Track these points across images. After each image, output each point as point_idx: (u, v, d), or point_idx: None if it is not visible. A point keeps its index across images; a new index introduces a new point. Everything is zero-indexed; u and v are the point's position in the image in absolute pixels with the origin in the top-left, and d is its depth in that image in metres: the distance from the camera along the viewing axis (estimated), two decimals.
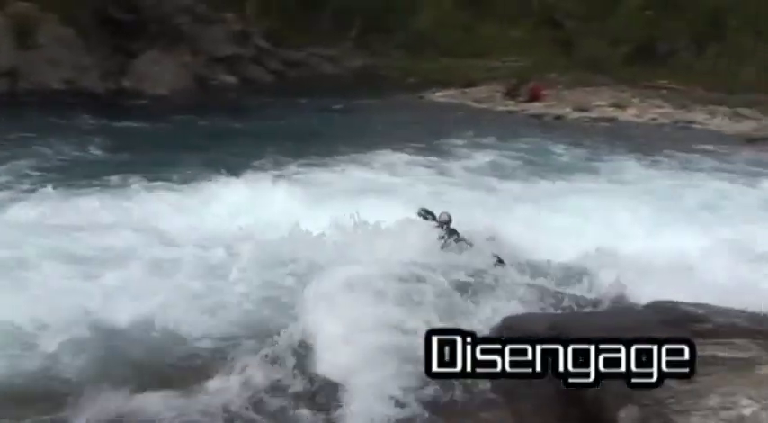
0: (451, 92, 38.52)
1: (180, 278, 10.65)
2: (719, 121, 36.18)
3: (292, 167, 19.08)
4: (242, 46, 39.13)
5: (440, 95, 37.71)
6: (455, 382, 7.23)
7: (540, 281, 10.91)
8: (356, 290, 9.35)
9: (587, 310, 9.41)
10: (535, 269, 11.46)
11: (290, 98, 33.37)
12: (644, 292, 9.71)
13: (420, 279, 10.11)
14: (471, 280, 10.54)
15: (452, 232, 13.05)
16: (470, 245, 12.68)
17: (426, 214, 13.43)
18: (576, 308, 9.60)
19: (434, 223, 13.07)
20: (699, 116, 36.70)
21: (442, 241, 12.62)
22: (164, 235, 12.94)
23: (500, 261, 12.05)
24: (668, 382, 5.21)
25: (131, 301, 9.68)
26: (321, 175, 18.39)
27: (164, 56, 34.85)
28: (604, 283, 10.80)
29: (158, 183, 16.70)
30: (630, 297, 9.95)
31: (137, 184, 16.72)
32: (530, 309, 9.51)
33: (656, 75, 46.15)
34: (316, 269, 10.77)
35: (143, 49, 34.68)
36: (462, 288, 10.11)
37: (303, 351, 8.14)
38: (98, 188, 16.36)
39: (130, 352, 8.54)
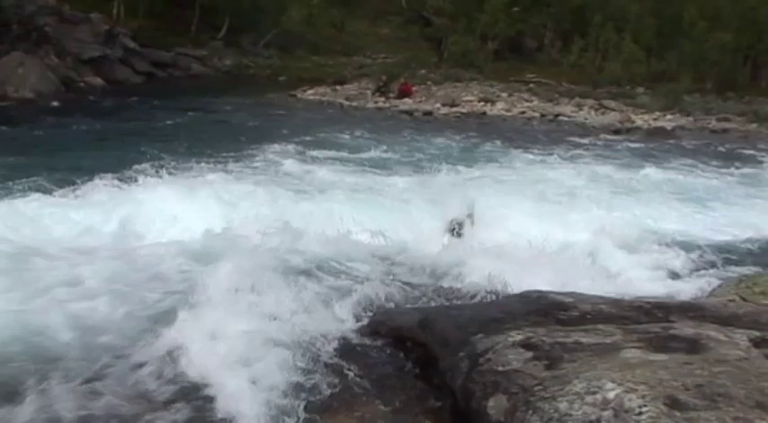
0: (322, 90, 38.44)
1: (45, 285, 10.22)
2: (586, 114, 37.10)
3: (162, 169, 18.64)
4: (109, 47, 38.23)
5: (311, 93, 37.57)
6: (325, 376, 7.12)
7: (411, 275, 10.85)
8: (231, 289, 9.13)
9: (457, 302, 9.37)
10: (406, 263, 11.40)
11: (159, 99, 32.76)
12: (518, 283, 9.74)
13: (294, 274, 9.95)
14: (346, 275, 10.43)
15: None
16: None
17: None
18: (445, 301, 9.55)
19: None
20: (566, 109, 37.59)
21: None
22: (29, 241, 12.45)
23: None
24: (534, 369, 5.19)
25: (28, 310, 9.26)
26: (191, 176, 18.01)
27: (28, 58, 33.76)
28: (475, 275, 10.80)
29: (23, 187, 16.06)
30: (503, 288, 9.96)
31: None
32: (400, 303, 9.43)
33: (524, 69, 47.09)
34: (191, 272, 10.50)
35: (5, 51, 33.57)
36: (336, 283, 9.99)
37: (174, 354, 7.88)
38: None
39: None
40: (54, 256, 11.30)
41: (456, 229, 13.67)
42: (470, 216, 13.97)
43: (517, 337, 5.75)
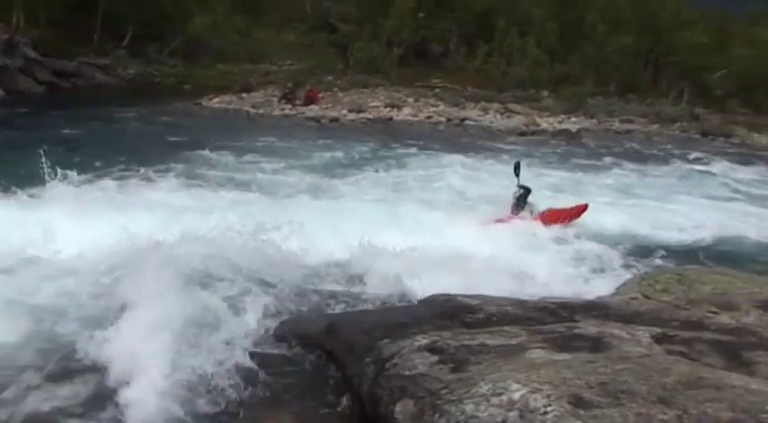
0: (228, 97, 38.11)
1: None
2: (491, 117, 37.46)
3: (63, 181, 18.23)
4: (9, 56, 37.36)
5: (216, 101, 37.23)
6: (233, 385, 7.03)
7: (320, 281, 10.79)
8: (136, 300, 8.95)
9: (364, 308, 9.33)
10: (312, 269, 11.33)
11: (61, 109, 32.09)
12: (423, 287, 9.75)
13: (201, 282, 9.81)
14: (251, 283, 10.31)
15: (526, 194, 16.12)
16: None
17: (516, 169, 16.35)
18: (353, 306, 9.51)
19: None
20: (472, 113, 37.92)
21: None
22: None
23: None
24: (440, 373, 5.17)
25: None
26: (93, 188, 17.67)
27: None
28: (382, 280, 10.79)
29: None
30: (409, 293, 9.96)
31: None
32: (308, 310, 9.37)
33: (429, 75, 47.36)
34: (95, 285, 10.28)
35: None
36: (244, 290, 9.88)
37: (81, 365, 7.71)
38: None
39: None
40: None
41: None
42: None
43: (423, 341, 5.72)
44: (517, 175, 16.10)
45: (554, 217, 15.53)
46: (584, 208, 15.83)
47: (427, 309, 7.28)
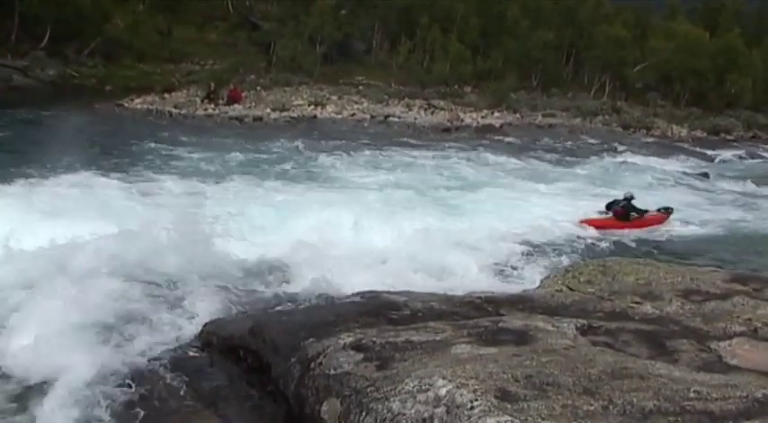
0: (150, 98, 37.62)
1: None
2: (415, 114, 37.61)
3: None
4: None
5: (138, 102, 36.74)
6: (156, 390, 6.93)
7: (242, 281, 10.70)
8: (57, 304, 8.78)
9: (289, 306, 9.26)
10: (239, 268, 11.24)
11: None
12: (350, 285, 9.71)
13: (122, 284, 9.67)
14: (175, 284, 10.20)
15: (632, 207, 17.51)
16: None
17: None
18: (278, 306, 9.44)
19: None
20: (396, 110, 38.02)
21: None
22: None
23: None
24: (365, 371, 5.14)
25: None
26: (14, 189, 17.32)
27: None
28: (308, 279, 10.74)
29: None
30: (335, 290, 9.92)
31: None
32: (233, 311, 9.27)
33: (353, 72, 47.35)
34: (12, 287, 10.07)
35: None
36: (166, 292, 9.77)
37: (6, 365, 7.54)
38: None
39: None
40: None
41: None
42: None
43: (348, 339, 5.69)
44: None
45: (640, 224, 17.57)
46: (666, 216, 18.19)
47: (353, 306, 7.25)
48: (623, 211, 17.21)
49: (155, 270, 10.48)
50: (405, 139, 29.54)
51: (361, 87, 44.06)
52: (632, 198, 17.55)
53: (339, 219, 14.24)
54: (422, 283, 9.51)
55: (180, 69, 45.41)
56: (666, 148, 34.69)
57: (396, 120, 35.86)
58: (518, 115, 40.15)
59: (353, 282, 9.86)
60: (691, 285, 7.17)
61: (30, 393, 6.98)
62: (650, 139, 38.31)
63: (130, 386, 7.00)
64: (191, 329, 8.28)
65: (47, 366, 7.22)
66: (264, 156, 24.42)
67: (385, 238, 13.24)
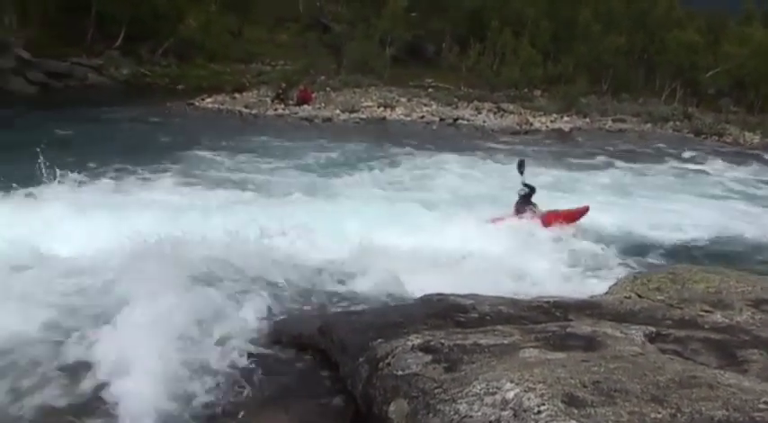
0: (221, 98, 37.97)
1: None
2: (484, 117, 37.49)
3: (56, 181, 18.19)
4: (1, 57, 37.26)
5: (209, 102, 37.10)
6: (226, 386, 7.04)
7: (311, 281, 10.78)
8: (133, 300, 8.93)
9: (358, 308, 9.33)
10: (305, 270, 11.32)
11: (54, 110, 31.95)
12: (419, 287, 9.75)
13: (196, 283, 9.81)
14: (245, 283, 10.31)
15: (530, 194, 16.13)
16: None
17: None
18: (346, 306, 9.51)
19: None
20: (465, 113, 37.95)
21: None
22: None
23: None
24: (433, 372, 5.17)
25: None
26: (87, 189, 17.61)
27: None
28: (378, 280, 10.80)
29: None
30: (404, 292, 9.96)
31: None
32: (302, 310, 9.37)
33: (423, 74, 47.36)
34: (92, 285, 10.26)
35: None
36: (239, 290, 9.88)
37: (77, 365, 7.69)
38: None
39: None
40: None
41: None
42: None
43: (416, 340, 5.72)
44: (521, 173, 16.18)
45: (555, 218, 15.52)
46: (585, 210, 15.79)
47: (421, 308, 7.28)
48: (519, 206, 16.11)
49: (227, 269, 10.61)
50: (474, 142, 29.43)
51: (430, 90, 44.03)
52: (529, 193, 16.23)
53: (407, 219, 14.30)
54: (490, 286, 9.49)
55: (250, 70, 45.83)
56: (738, 155, 34.11)
57: (465, 123, 35.80)
58: (588, 120, 39.83)
59: (420, 283, 9.88)
60: (762, 295, 7.09)
61: (108, 387, 7.12)
62: (722, 146, 37.70)
63: (201, 383, 7.12)
64: (260, 327, 8.38)
65: (124, 360, 7.36)
66: (334, 156, 24.50)
67: (454, 238, 13.24)
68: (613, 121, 40.15)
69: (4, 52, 37.26)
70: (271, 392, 6.94)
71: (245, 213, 14.21)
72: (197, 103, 36.59)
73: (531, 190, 16.15)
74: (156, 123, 30.53)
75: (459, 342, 5.63)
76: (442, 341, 5.67)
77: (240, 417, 6.66)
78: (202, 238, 11.49)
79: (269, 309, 9.05)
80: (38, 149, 21.30)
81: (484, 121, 36.28)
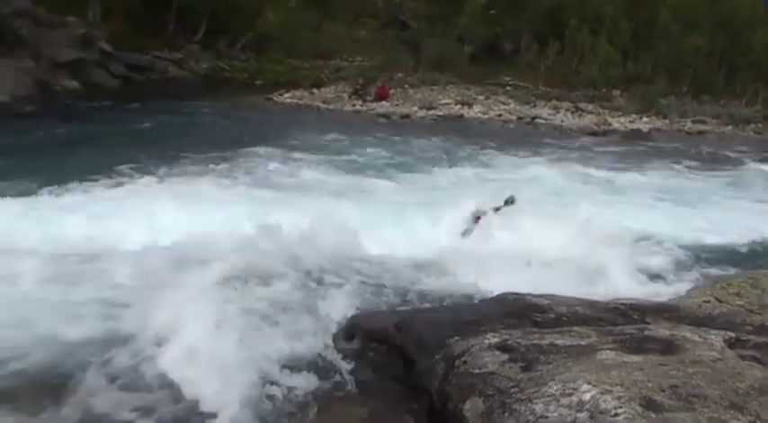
0: (299, 93, 38.25)
1: (26, 290, 10.11)
2: (562, 116, 37.19)
3: (138, 172, 18.50)
4: (85, 50, 37.76)
5: (287, 97, 37.37)
6: (301, 380, 7.13)
7: (388, 277, 10.83)
8: (210, 292, 9.09)
9: (434, 305, 9.37)
10: (382, 266, 11.37)
11: (135, 103, 32.47)
12: (494, 285, 9.75)
13: (273, 278, 9.94)
14: (323, 277, 10.42)
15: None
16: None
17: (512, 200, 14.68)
18: (422, 303, 9.56)
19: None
20: (542, 112, 37.68)
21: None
22: (11, 246, 12.28)
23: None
24: (509, 372, 5.19)
25: None
26: (168, 180, 17.88)
27: (3, 61, 33.37)
28: (453, 278, 10.82)
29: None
30: (479, 290, 9.97)
31: None
32: (377, 305, 9.44)
33: (500, 72, 47.11)
34: (171, 275, 10.45)
35: None
36: (314, 285, 9.98)
37: (156, 356, 7.84)
38: None
39: None
40: (31, 259, 11.25)
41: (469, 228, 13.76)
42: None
43: (493, 339, 5.75)
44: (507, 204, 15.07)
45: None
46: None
47: (497, 307, 7.30)
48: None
49: (302, 264, 10.72)
50: (552, 141, 29.20)
51: (508, 88, 43.80)
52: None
53: (484, 217, 14.27)
54: (563, 286, 9.45)
55: (329, 65, 46.06)
56: None
57: (542, 122, 35.54)
58: (667, 121, 39.25)
59: (494, 282, 9.89)
60: None
61: (182, 381, 7.25)
62: None
63: (277, 375, 7.22)
64: (337, 322, 8.47)
65: (199, 353, 7.49)
66: (412, 153, 24.48)
67: (530, 237, 13.20)
68: (693, 122, 39.50)
69: (88, 46, 37.89)
70: (346, 386, 7.03)
71: (323, 208, 14.28)
72: (275, 98, 36.87)
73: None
74: (236, 117, 30.85)
75: (535, 342, 5.64)
76: (519, 340, 5.69)
77: (315, 409, 6.75)
78: (282, 233, 11.63)
79: (345, 304, 9.14)
80: (120, 142, 21.77)
81: (562, 121, 35.97)
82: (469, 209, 14.03)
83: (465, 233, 13.29)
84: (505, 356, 5.42)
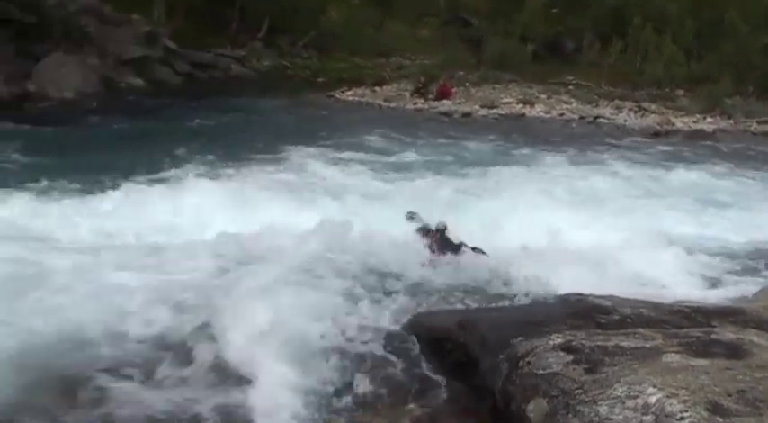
0: (361, 91, 38.37)
1: (96, 284, 10.31)
2: (625, 116, 36.83)
3: (200, 170, 18.72)
4: (150, 47, 38.24)
5: (349, 94, 37.53)
6: (365, 376, 7.20)
7: (451, 276, 10.86)
8: (274, 288, 9.20)
9: (497, 304, 9.39)
10: (446, 264, 11.39)
11: (198, 100, 32.86)
12: (555, 286, 9.75)
13: (336, 275, 10.04)
14: (385, 276, 10.49)
15: (448, 242, 12.27)
16: (484, 253, 12.04)
17: (412, 216, 12.95)
18: (485, 303, 9.57)
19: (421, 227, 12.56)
20: (605, 111, 37.32)
21: (430, 251, 11.98)
22: (73, 241, 12.54)
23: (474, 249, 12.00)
24: (573, 373, 5.20)
25: (46, 309, 9.36)
26: (230, 176, 18.09)
27: (69, 58, 33.87)
28: (515, 277, 10.81)
29: (63, 188, 16.13)
30: (541, 290, 9.96)
31: (39, 189, 16.13)
32: (440, 304, 9.47)
33: (562, 71, 46.79)
34: (233, 271, 10.61)
35: (48, 52, 33.73)
36: (375, 284, 10.06)
37: (219, 349, 7.96)
38: None
39: (40, 363, 8.19)
40: (93, 252, 11.48)
41: None
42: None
43: (557, 340, 5.76)
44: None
45: None
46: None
47: (560, 308, 7.31)
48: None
49: (365, 261, 10.80)
50: (613, 141, 28.96)
51: (570, 87, 43.48)
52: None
53: (549, 217, 14.23)
54: (627, 288, 9.41)
55: (390, 64, 46.11)
56: None
57: (605, 121, 35.22)
58: (731, 121, 38.64)
59: (559, 282, 9.89)
60: None
61: (242, 377, 7.35)
62: None
63: (340, 371, 7.30)
64: (400, 319, 8.53)
65: (260, 352, 7.59)
66: (477, 152, 24.40)
67: (593, 237, 13.14)
68: (758, 123, 38.86)
69: (152, 43, 38.37)
70: (409, 383, 7.09)
71: (388, 207, 14.38)
72: (337, 96, 37.06)
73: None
74: (300, 114, 31.14)
75: (600, 343, 5.65)
76: (583, 342, 5.70)
77: (378, 406, 6.81)
78: (343, 230, 11.72)
79: (408, 301, 9.20)
80: (184, 138, 22.02)
81: (625, 120, 35.60)
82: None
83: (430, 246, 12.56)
84: (570, 357, 5.43)
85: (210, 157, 19.87)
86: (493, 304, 9.53)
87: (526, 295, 9.88)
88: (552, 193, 17.71)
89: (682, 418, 4.32)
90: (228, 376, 7.45)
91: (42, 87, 32.11)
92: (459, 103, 36.01)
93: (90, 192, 15.82)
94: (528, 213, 14.59)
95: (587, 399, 4.82)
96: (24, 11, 33.30)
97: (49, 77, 32.61)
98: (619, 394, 4.70)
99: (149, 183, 16.61)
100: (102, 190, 15.82)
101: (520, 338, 6.01)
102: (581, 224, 14.30)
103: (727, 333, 5.89)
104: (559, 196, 17.29)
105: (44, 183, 16.29)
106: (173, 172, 17.98)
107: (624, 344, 5.62)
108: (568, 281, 9.72)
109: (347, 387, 7.12)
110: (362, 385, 7.06)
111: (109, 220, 13.99)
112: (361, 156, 21.92)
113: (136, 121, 26.91)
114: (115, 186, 16.01)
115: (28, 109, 29.00)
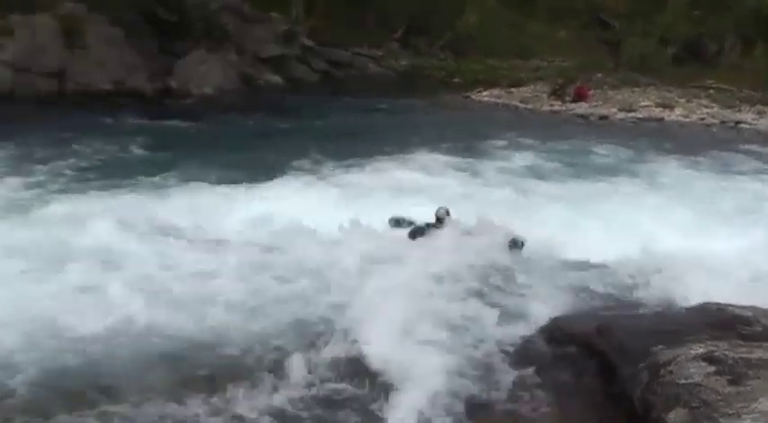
0: (497, 92, 38.34)
1: (221, 280, 10.62)
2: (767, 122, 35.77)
3: (336, 167, 18.99)
4: (288, 46, 39.07)
5: (485, 95, 37.57)
6: (502, 380, 7.25)
7: (586, 282, 10.80)
8: (404, 290, 9.33)
9: (634, 311, 9.30)
10: (580, 270, 11.34)
11: (335, 98, 33.42)
12: (689, 295, 9.60)
13: (466, 279, 10.10)
14: (521, 278, 10.52)
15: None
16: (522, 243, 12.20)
17: (398, 223, 13.10)
18: (621, 309, 9.49)
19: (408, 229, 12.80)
20: (747, 116, 36.27)
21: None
22: (199, 237, 12.86)
23: (516, 244, 12.02)
24: (716, 384, 5.15)
25: (171, 302, 9.69)
26: (364, 175, 18.26)
27: (210, 56, 34.84)
28: (649, 285, 10.70)
29: (196, 182, 16.55)
30: (676, 299, 9.83)
31: (173, 183, 16.61)
32: (577, 309, 9.44)
33: (703, 74, 45.72)
34: (361, 270, 10.76)
35: (189, 49, 34.71)
36: (511, 286, 10.10)
37: (347, 350, 8.12)
38: (129, 188, 16.17)
39: (166, 355, 8.48)
40: (226, 243, 11.82)
41: None
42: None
43: (699, 350, 5.71)
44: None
45: None
46: None
47: (700, 317, 7.23)
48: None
49: (502, 265, 10.83)
50: (755, 148, 28.05)
51: (711, 91, 42.42)
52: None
53: (680, 224, 14.01)
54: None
55: (527, 65, 45.87)
56: None
57: (746, 126, 34.22)
58: None
59: (695, 291, 9.73)
60: None
61: (383, 380, 7.48)
62: None
63: (474, 369, 7.37)
64: (537, 324, 8.54)
65: (398, 354, 7.71)
66: (616, 157, 23.97)
67: (730, 246, 12.86)
68: None
69: (291, 42, 39.11)
70: (545, 387, 7.12)
71: (523, 210, 14.35)
72: (473, 97, 37.18)
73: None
74: (437, 114, 31.31)
75: (743, 355, 5.58)
76: (726, 353, 5.64)
77: (515, 410, 6.84)
78: (473, 233, 11.76)
79: (545, 306, 9.19)
80: (319, 136, 22.34)
81: (767, 126, 34.58)
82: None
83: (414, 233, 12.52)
84: (712, 368, 5.38)
85: (342, 155, 20.08)
86: (629, 310, 9.45)
87: (659, 303, 9.78)
88: (687, 201, 17.26)
89: None
90: (356, 373, 7.61)
91: (183, 84, 33.12)
92: (596, 106, 35.56)
93: (222, 185, 16.24)
94: (659, 221, 14.35)
95: (731, 411, 4.78)
96: (169, 10, 34.29)
97: (190, 74, 33.60)
98: (764, 409, 4.64)
99: (284, 179, 16.95)
100: (233, 184, 16.20)
101: (660, 347, 5.98)
102: (713, 233, 13.97)
103: None
104: (694, 205, 16.79)
105: (157, 176, 17.28)
106: (308, 170, 18.30)
107: None
108: (700, 289, 9.53)
109: (480, 384, 7.19)
110: (499, 391, 7.11)
111: (223, 216, 14.22)
112: (501, 156, 21.86)
113: (273, 119, 27.47)
114: (251, 180, 16.40)
115: (167, 104, 29.88)
